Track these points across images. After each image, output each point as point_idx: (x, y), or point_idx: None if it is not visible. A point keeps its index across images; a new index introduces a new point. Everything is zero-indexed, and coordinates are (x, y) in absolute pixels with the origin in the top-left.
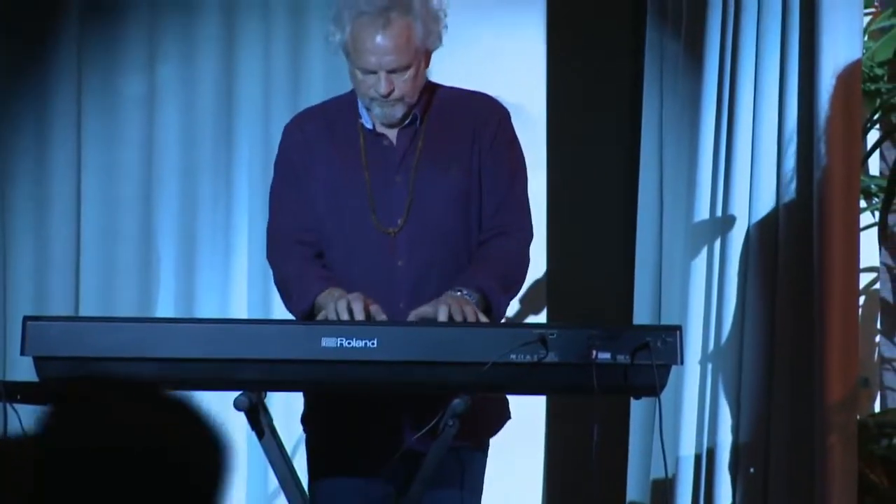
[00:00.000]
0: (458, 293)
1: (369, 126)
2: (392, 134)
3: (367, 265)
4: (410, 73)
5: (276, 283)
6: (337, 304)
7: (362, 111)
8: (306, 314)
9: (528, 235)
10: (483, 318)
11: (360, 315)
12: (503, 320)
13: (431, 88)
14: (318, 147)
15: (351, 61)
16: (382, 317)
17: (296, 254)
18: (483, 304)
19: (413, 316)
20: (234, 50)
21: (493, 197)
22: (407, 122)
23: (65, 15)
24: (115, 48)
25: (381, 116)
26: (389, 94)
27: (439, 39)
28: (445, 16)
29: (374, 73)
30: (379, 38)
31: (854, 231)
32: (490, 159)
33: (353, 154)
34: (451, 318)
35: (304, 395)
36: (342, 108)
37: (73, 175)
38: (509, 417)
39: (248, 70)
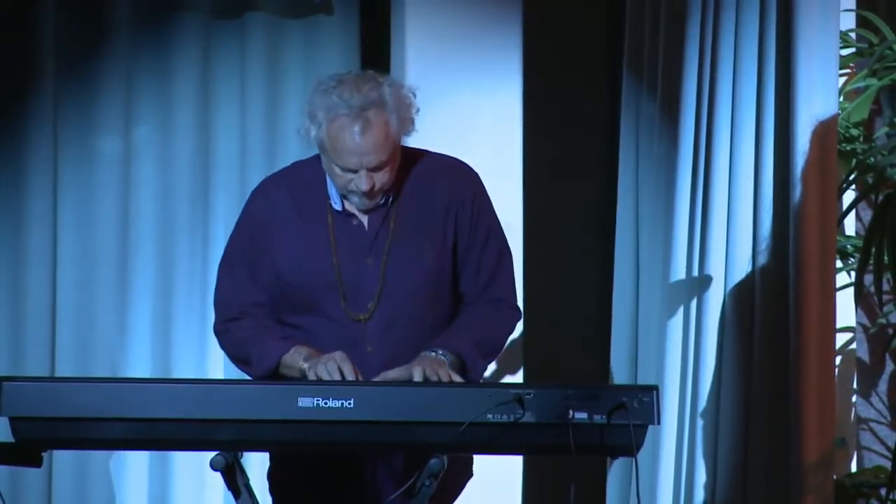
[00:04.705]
0: (434, 353)
1: (338, 208)
2: (363, 215)
3: (334, 350)
4: (390, 165)
5: (227, 348)
6: (327, 365)
7: (332, 191)
8: (268, 375)
9: (518, 314)
10: (457, 379)
11: (350, 377)
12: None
13: (403, 157)
14: (284, 221)
15: (329, 158)
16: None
17: (247, 318)
18: (458, 366)
19: (382, 378)
20: (209, 110)
21: (481, 272)
22: (381, 201)
23: (41, 75)
24: (92, 108)
25: (360, 205)
26: (371, 189)
27: (412, 124)
28: (415, 95)
29: (355, 171)
30: (359, 140)
31: (830, 291)
32: (473, 237)
33: (321, 233)
34: (425, 378)
35: (271, 452)
36: (311, 180)
37: (49, 233)
38: (471, 475)
39: (223, 129)
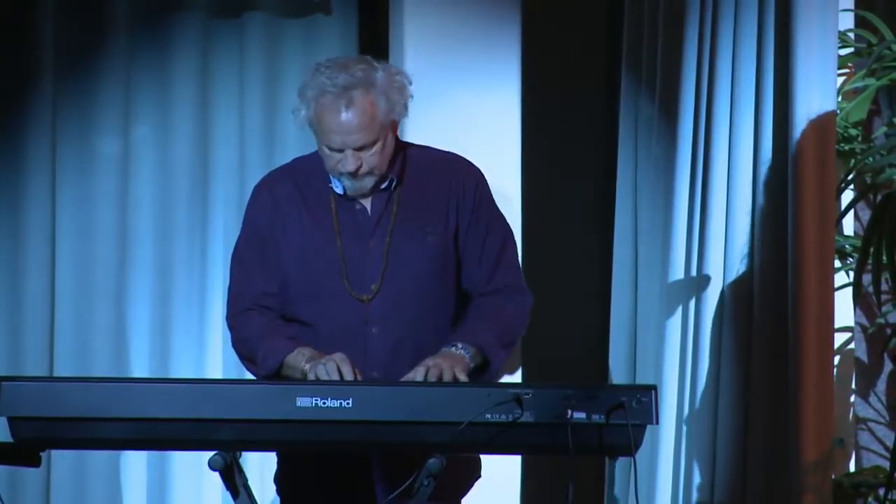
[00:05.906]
0: (454, 348)
1: (340, 191)
2: (365, 198)
3: (340, 332)
4: (377, 147)
5: (236, 344)
6: (326, 366)
7: (332, 177)
8: (272, 375)
9: (528, 298)
10: (463, 378)
11: (349, 378)
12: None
13: (405, 149)
14: (289, 211)
15: (317, 138)
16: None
17: (258, 316)
18: (479, 359)
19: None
20: (208, 109)
21: (486, 261)
22: (383, 186)
23: (40, 75)
24: (91, 108)
25: (352, 189)
26: (357, 170)
27: (405, 109)
28: (410, 83)
29: (341, 150)
30: (343, 118)
31: (829, 291)
32: (475, 225)
33: (325, 219)
34: (425, 378)
35: (277, 454)
36: (312, 171)
37: (48, 234)
38: (479, 476)
39: (222, 128)
